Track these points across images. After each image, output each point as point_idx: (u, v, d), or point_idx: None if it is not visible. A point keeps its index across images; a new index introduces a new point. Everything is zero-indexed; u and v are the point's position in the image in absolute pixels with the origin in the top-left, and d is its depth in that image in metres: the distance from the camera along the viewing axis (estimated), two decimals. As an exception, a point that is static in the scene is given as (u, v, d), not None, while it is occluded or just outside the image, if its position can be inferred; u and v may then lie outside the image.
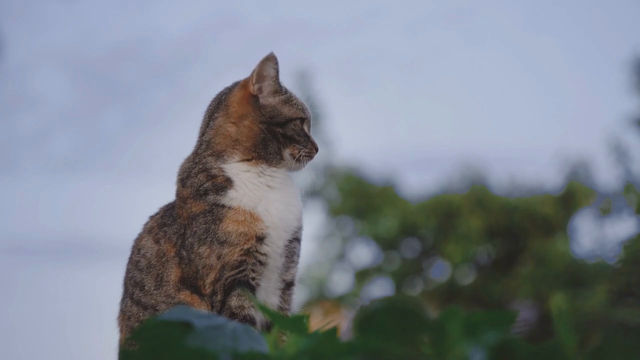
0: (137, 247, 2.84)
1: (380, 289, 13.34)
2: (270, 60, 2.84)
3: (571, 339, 1.54)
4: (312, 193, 12.66)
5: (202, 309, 2.69)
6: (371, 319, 1.43)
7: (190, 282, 2.73)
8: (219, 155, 2.80)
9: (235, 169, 2.79)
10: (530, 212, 12.75)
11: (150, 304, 2.75)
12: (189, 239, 2.73)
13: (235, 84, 2.89)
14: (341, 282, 13.45)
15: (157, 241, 2.80)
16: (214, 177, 2.78)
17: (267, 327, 2.74)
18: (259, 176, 2.80)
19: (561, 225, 12.78)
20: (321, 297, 13.12)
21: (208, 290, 2.71)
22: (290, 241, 2.80)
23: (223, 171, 2.79)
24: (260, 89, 2.83)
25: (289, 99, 2.85)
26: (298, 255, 2.84)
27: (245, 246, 2.72)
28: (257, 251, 2.73)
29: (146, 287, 2.77)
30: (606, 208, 12.07)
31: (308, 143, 2.85)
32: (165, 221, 2.82)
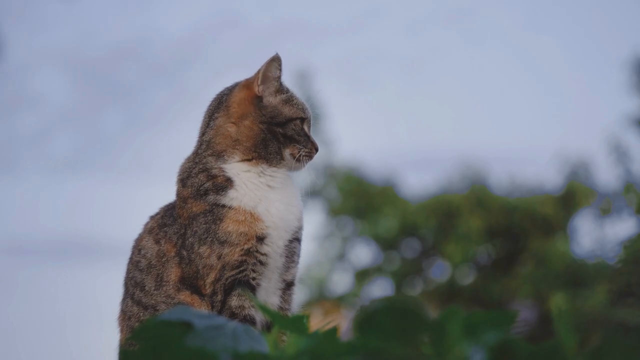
0: (137, 248, 2.84)
1: (380, 289, 13.35)
2: (276, 61, 2.84)
3: (571, 339, 1.54)
4: (312, 193, 12.65)
5: (203, 309, 2.69)
6: (371, 319, 1.43)
7: (190, 282, 2.73)
8: (219, 155, 2.80)
9: (236, 169, 2.79)
10: (530, 212, 12.75)
11: (151, 304, 2.75)
12: (190, 239, 2.74)
13: (236, 84, 2.89)
14: (341, 282, 13.46)
15: (157, 241, 2.80)
16: (214, 177, 2.78)
17: (268, 327, 2.74)
18: (259, 176, 2.80)
19: (561, 225, 12.78)
20: (321, 297, 13.12)
21: (208, 290, 2.71)
22: (291, 241, 2.80)
23: (223, 171, 2.79)
24: (264, 90, 2.83)
25: (289, 99, 2.86)
26: (298, 255, 2.84)
27: (246, 246, 2.72)
28: (257, 251, 2.73)
29: (147, 288, 2.77)
30: (606, 208, 12.07)
31: (308, 143, 2.85)
32: (166, 221, 2.82)
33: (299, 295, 2.89)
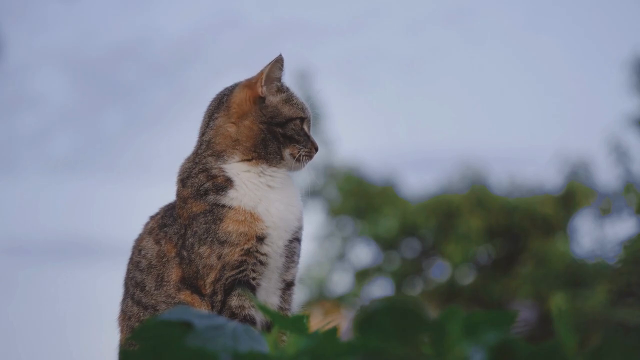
0: (137, 248, 2.84)
1: (380, 289, 13.35)
2: (279, 62, 2.85)
3: (571, 339, 1.54)
4: (312, 193, 12.66)
5: (203, 309, 2.69)
6: (371, 319, 1.43)
7: (190, 282, 2.73)
8: (219, 156, 2.80)
9: (236, 169, 2.79)
10: (530, 212, 12.75)
11: (151, 304, 2.75)
12: (190, 239, 2.74)
13: (236, 85, 2.89)
14: (341, 282, 13.46)
15: (157, 242, 2.80)
16: (214, 177, 2.78)
17: (268, 327, 2.74)
18: (259, 176, 2.80)
19: (561, 225, 12.78)
20: (321, 297, 13.12)
21: (208, 290, 2.71)
22: (291, 241, 2.80)
23: (223, 171, 2.79)
24: (267, 90, 2.84)
25: (289, 99, 2.86)
26: (298, 255, 2.84)
27: (246, 246, 2.72)
28: (257, 251, 2.73)
29: (147, 288, 2.77)
30: (606, 208, 12.07)
31: (308, 143, 2.85)
32: (166, 221, 2.82)
33: (299, 295, 2.89)
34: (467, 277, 12.99)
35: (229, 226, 2.72)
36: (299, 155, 2.83)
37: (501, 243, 12.96)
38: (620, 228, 11.94)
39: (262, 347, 1.64)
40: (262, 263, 2.75)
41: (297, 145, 2.83)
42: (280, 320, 1.77)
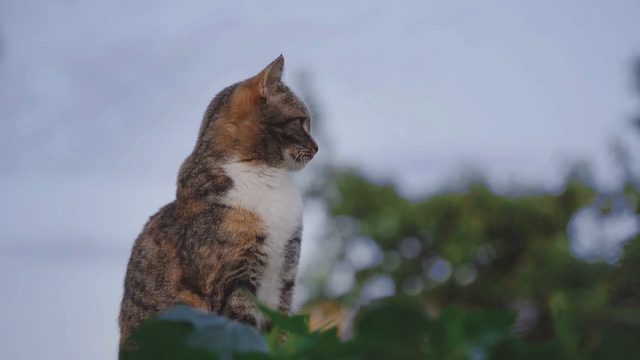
0: (137, 248, 2.84)
1: (380, 289, 13.35)
2: (280, 62, 2.85)
3: (571, 339, 1.54)
4: (312, 193, 12.63)
5: (203, 309, 2.70)
6: (371, 319, 1.43)
7: (190, 282, 2.73)
8: (219, 156, 2.80)
9: (235, 169, 2.79)
10: (530, 212, 12.74)
11: (151, 304, 2.75)
12: (190, 239, 2.74)
13: (236, 85, 2.89)
14: (341, 282, 13.46)
15: (157, 242, 2.80)
16: (214, 177, 2.78)
17: (268, 327, 2.74)
18: (259, 176, 2.80)
19: (561, 225, 12.78)
20: (321, 297, 13.12)
21: (208, 290, 2.71)
22: (291, 241, 2.80)
23: (223, 171, 2.79)
24: (268, 91, 2.84)
25: (289, 98, 2.86)
26: (298, 255, 2.84)
27: (246, 246, 2.72)
28: (257, 251, 2.73)
29: (147, 288, 2.77)
30: (606, 208, 12.07)
31: (308, 143, 2.85)
32: (166, 221, 2.82)
33: (299, 295, 2.89)
34: (467, 277, 12.99)
35: (229, 226, 2.72)
36: (299, 155, 2.83)
37: (501, 243, 12.96)
38: (620, 228, 11.95)
39: (262, 347, 1.64)
40: (262, 263, 2.75)
41: (297, 145, 2.83)
42: (280, 320, 1.77)
